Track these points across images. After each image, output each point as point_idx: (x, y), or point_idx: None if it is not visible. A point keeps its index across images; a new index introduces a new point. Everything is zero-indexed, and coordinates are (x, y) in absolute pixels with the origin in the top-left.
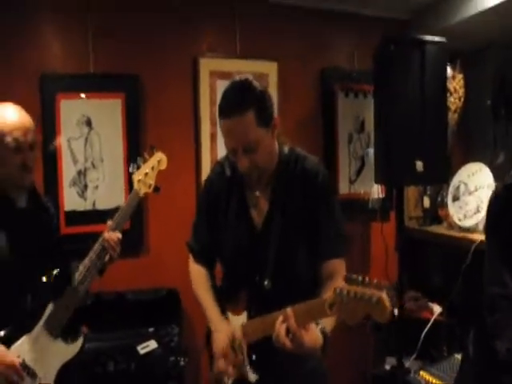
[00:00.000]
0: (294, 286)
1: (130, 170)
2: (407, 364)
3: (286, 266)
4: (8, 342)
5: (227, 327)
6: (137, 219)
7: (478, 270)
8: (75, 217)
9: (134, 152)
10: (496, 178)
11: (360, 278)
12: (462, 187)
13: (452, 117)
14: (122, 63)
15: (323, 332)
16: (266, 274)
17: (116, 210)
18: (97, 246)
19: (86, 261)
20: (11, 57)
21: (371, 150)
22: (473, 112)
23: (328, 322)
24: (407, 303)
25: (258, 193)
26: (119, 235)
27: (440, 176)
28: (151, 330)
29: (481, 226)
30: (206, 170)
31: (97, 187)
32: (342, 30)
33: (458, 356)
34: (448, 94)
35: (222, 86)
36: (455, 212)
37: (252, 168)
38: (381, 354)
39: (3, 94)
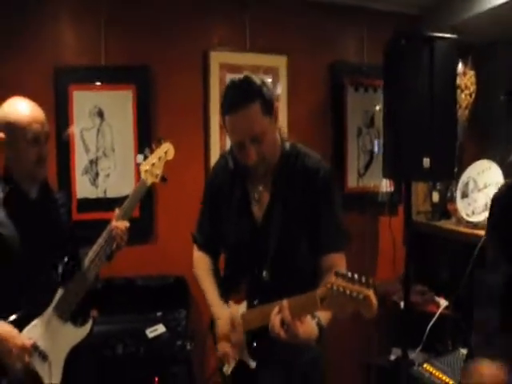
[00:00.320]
0: (293, 278)
1: (138, 160)
2: (412, 356)
3: (286, 258)
4: (20, 325)
5: (227, 314)
6: (146, 208)
7: (484, 266)
8: (87, 204)
9: (145, 142)
10: (506, 175)
11: (349, 275)
12: (471, 184)
13: (463, 113)
14: (133, 55)
15: (319, 324)
16: (265, 265)
17: (125, 198)
18: (105, 234)
19: (95, 247)
20: (26, 50)
21: (379, 142)
22: (485, 108)
23: (324, 315)
24: (414, 296)
25: (260, 186)
26: (127, 224)
27: (447, 173)
28: (159, 314)
29: None
30: (214, 160)
31: (108, 175)
32: (352, 24)
33: (463, 350)
34: (459, 91)
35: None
36: (463, 208)
37: (259, 160)
38: (386, 346)
39: (19, 87)
